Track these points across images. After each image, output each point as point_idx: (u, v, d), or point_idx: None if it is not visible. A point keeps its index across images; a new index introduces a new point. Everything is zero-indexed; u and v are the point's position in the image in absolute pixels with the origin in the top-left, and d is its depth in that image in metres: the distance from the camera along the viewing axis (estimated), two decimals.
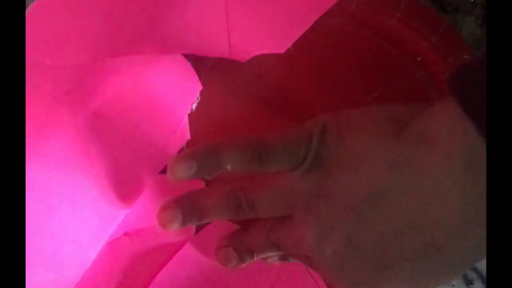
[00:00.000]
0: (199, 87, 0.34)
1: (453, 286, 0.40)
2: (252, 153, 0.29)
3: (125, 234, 0.33)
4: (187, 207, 0.31)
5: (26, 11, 0.26)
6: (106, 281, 0.32)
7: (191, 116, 0.35)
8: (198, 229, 0.35)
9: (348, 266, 0.28)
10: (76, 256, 0.31)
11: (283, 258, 0.34)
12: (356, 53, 0.36)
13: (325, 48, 0.36)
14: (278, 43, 0.34)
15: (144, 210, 0.33)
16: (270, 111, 0.36)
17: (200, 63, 0.34)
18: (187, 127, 0.34)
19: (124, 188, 0.31)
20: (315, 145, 0.29)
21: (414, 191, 0.27)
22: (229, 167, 0.30)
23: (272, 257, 0.33)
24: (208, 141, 0.30)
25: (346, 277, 0.29)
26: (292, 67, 0.36)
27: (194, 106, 0.35)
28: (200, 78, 0.34)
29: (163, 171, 0.34)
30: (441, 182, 0.26)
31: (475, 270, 0.39)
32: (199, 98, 0.35)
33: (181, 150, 0.34)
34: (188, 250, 0.34)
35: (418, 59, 0.36)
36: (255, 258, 0.33)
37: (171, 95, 0.33)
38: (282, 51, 0.34)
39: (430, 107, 0.28)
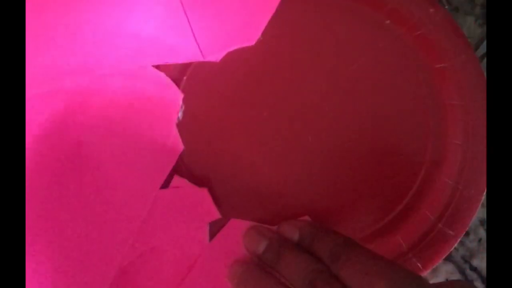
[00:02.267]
0: (180, 95, 0.33)
1: None
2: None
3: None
4: None
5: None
6: None
7: (180, 125, 0.34)
8: (212, 235, 0.34)
9: None
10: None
11: None
12: (331, 25, 0.35)
13: (297, 29, 0.35)
14: (247, 35, 0.33)
15: (153, 226, 0.33)
16: (255, 104, 0.35)
17: (176, 71, 0.34)
18: (179, 138, 0.34)
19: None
20: None
21: None
22: None
23: None
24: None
25: None
26: (265, 55, 0.35)
27: (180, 115, 0.34)
28: (179, 86, 0.34)
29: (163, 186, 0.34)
30: None
31: (475, 270, 0.39)
32: (183, 107, 0.34)
33: (177, 162, 0.34)
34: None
35: (388, 22, 0.35)
36: None
37: (153, 110, 0.33)
38: (253, 42, 0.33)
39: None
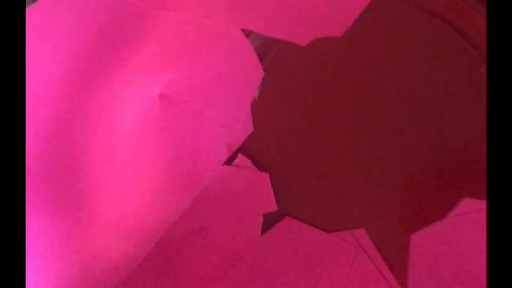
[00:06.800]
0: (261, 73, 0.32)
1: None
2: None
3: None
4: None
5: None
6: None
7: (253, 106, 0.32)
8: (265, 228, 0.32)
9: None
10: None
11: None
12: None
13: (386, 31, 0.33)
14: (336, 24, 0.32)
15: (206, 205, 0.30)
16: (334, 100, 0.33)
17: (260, 51, 0.32)
18: (250, 118, 0.32)
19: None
20: None
21: None
22: None
23: None
24: None
25: None
26: (352, 51, 0.33)
27: (256, 94, 0.32)
28: (262, 65, 0.32)
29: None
30: None
31: None
32: (261, 87, 0.32)
33: (242, 146, 0.32)
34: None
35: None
36: None
37: (234, 78, 0.31)
38: (339, 34, 0.32)
39: None
